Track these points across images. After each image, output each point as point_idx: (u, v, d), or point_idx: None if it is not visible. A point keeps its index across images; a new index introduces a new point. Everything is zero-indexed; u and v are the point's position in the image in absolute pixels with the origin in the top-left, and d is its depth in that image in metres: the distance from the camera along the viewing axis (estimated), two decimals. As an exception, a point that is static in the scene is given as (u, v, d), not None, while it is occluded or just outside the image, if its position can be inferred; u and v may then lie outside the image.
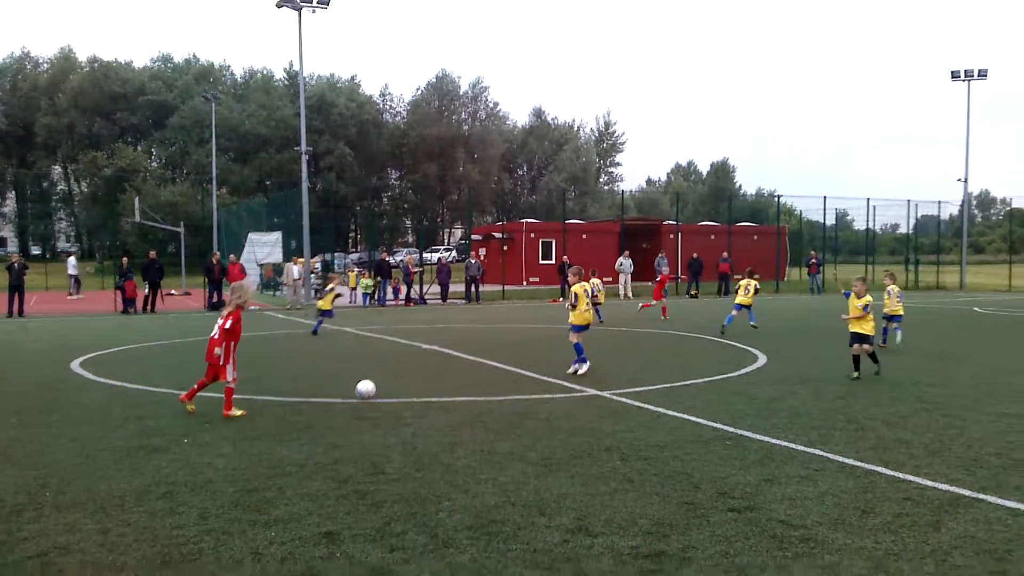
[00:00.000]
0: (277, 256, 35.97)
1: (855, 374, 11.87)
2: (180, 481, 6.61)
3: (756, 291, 19.38)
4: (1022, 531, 5.34)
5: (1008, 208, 59.77)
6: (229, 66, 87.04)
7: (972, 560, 4.86)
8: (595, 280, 19.86)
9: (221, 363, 9.22)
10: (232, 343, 9.38)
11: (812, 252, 41.06)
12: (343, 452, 7.50)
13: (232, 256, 32.60)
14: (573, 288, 12.73)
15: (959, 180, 48.23)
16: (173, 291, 37.80)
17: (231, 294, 9.98)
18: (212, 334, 9.45)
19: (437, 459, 7.23)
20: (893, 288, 15.90)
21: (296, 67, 35.58)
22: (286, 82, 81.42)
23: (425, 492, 6.25)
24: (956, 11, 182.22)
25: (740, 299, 19.09)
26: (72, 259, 42.39)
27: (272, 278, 37.47)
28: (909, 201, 45.55)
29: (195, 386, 9.48)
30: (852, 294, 12.30)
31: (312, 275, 34.36)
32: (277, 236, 36.88)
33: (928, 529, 5.39)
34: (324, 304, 19.35)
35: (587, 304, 12.68)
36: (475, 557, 4.94)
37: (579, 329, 12.59)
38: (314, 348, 16.68)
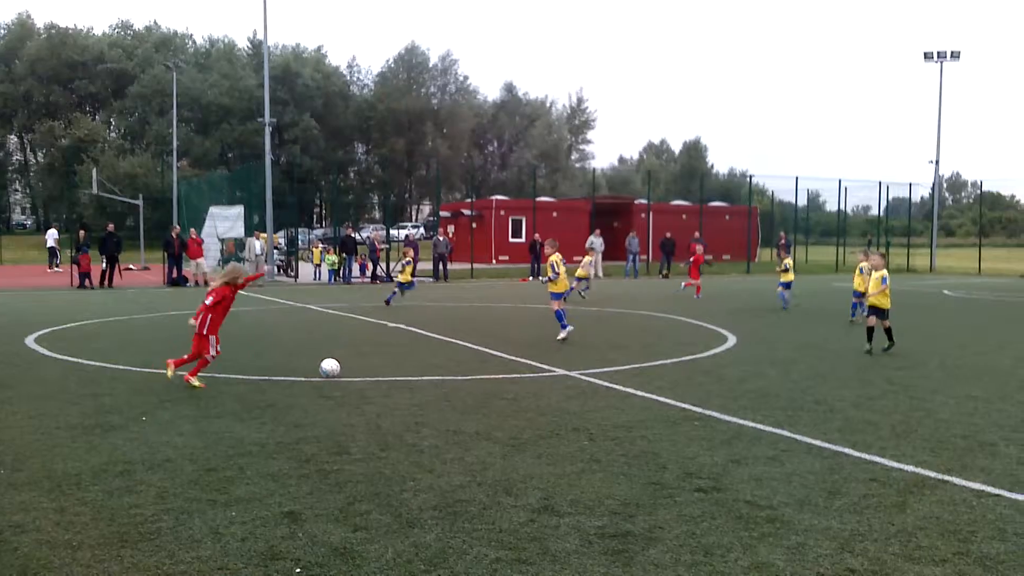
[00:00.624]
0: (239, 231, 35.46)
1: (867, 346, 12.37)
2: (138, 460, 6.47)
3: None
4: (986, 512, 5.35)
5: (979, 191, 60.51)
6: (191, 34, 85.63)
7: (937, 541, 4.86)
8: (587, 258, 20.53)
9: (198, 333, 9.48)
10: (213, 317, 9.60)
11: (782, 233, 41.34)
12: (306, 431, 7.37)
13: (192, 230, 32.10)
14: (551, 258, 13.73)
15: (930, 162, 48.76)
16: (132, 266, 37.18)
17: (222, 273, 10.22)
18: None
19: (402, 439, 7.12)
20: (865, 266, 15.74)
21: (260, 36, 34.94)
22: (250, 51, 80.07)
23: (389, 472, 6.14)
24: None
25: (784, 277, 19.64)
26: (52, 231, 41.65)
27: (234, 253, 36.99)
28: (880, 183, 45.81)
29: (184, 357, 9.71)
30: (867, 269, 13.25)
31: (275, 250, 33.96)
32: (239, 210, 36.35)
33: (894, 510, 5.39)
34: (404, 277, 20.27)
35: (564, 271, 13.79)
36: (440, 537, 4.86)
37: (558, 296, 13.75)
38: (277, 325, 16.47)
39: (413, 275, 20.98)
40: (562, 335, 13.54)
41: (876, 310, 12.52)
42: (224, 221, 36.78)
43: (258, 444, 6.95)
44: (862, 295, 15.69)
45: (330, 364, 10.01)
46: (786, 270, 19.89)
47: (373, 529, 4.98)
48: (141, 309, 19.59)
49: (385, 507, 5.36)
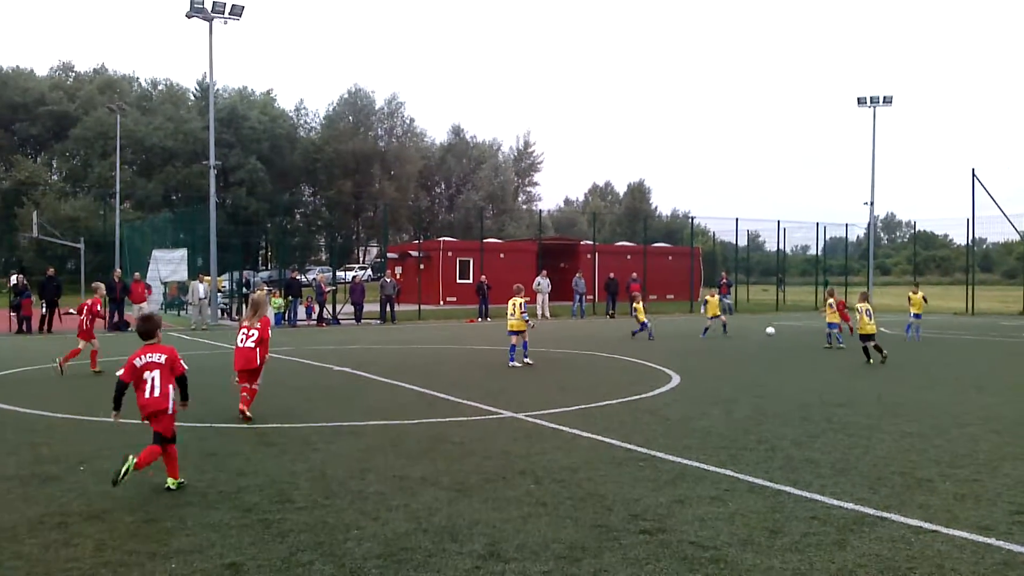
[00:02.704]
0: (182, 274, 34.98)
1: (869, 360, 17.03)
2: (75, 511, 6.31)
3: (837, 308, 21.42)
4: (924, 549, 5.46)
5: (913, 231, 62.33)
6: (137, 77, 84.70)
7: (876, 578, 4.94)
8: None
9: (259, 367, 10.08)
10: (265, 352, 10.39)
11: (723, 273, 42.02)
12: (248, 480, 7.25)
13: (136, 274, 31.55)
14: (515, 301, 16.38)
15: (865, 203, 50.12)
16: (72, 310, 36.30)
17: (253, 308, 10.77)
18: (242, 344, 10.30)
19: (346, 486, 7.04)
20: (861, 306, 18.40)
21: (208, 78, 34.79)
22: (197, 94, 79.52)
23: (333, 520, 6.06)
24: (863, 39, 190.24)
25: (830, 317, 21.01)
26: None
27: (176, 297, 36.40)
28: (818, 223, 47.12)
29: (246, 397, 10.25)
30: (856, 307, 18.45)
31: (219, 293, 33.49)
32: (183, 253, 35.89)
33: (834, 548, 5.47)
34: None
35: (521, 312, 16.35)
36: (384, 588, 4.80)
37: (515, 333, 16.32)
38: (220, 370, 16.18)
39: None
40: (514, 363, 16.11)
41: (866, 336, 17.51)
42: (167, 264, 36.25)
43: (199, 493, 6.81)
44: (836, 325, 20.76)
45: None
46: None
47: (316, 580, 4.90)
48: (80, 355, 19.11)
49: (328, 557, 5.29)
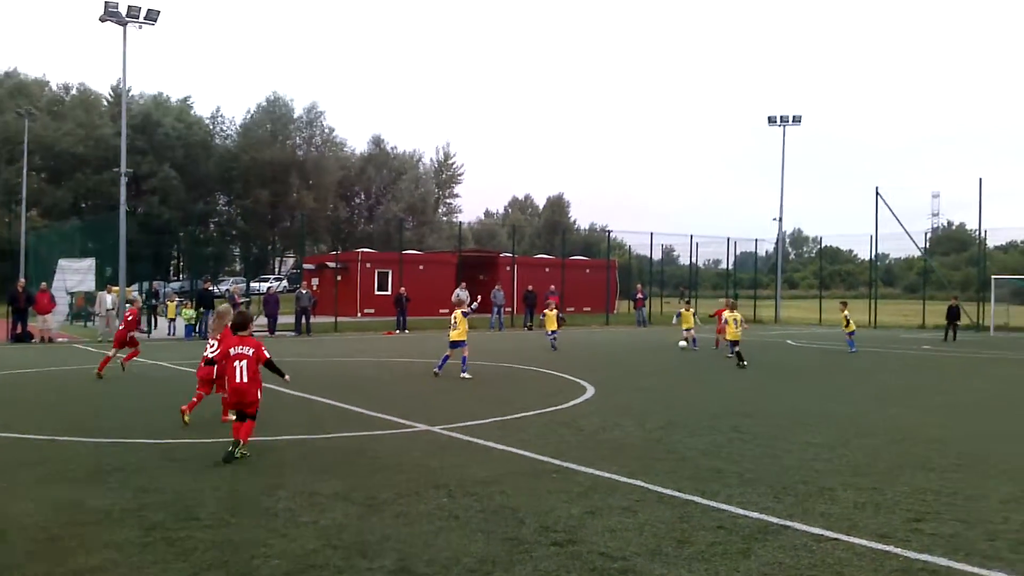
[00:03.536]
0: (89, 284, 33.77)
1: (744, 363, 18.68)
2: (-31, 532, 6.03)
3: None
4: (826, 557, 5.62)
5: (819, 246, 64.52)
6: (48, 81, 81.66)
7: (778, 586, 5.07)
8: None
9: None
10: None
11: (638, 286, 42.70)
12: (152, 497, 7.03)
13: (44, 284, 30.33)
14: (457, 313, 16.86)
15: (774, 219, 51.67)
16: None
17: (218, 320, 10.90)
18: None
19: (255, 503, 6.89)
20: (730, 316, 20.07)
21: (122, 84, 33.82)
22: (110, 99, 77.12)
23: (239, 538, 5.93)
24: (773, 61, 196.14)
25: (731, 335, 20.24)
26: None
27: (83, 307, 35.16)
28: (729, 239, 48.34)
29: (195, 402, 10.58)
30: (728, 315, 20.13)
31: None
32: (90, 263, 34.66)
33: (739, 557, 5.60)
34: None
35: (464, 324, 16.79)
36: (290, 606, 4.72)
37: (456, 345, 16.71)
38: (126, 384, 15.70)
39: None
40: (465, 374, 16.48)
41: (734, 342, 19.52)
42: (74, 274, 34.98)
43: (102, 511, 6.59)
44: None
45: None
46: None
47: (220, 599, 4.79)
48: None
49: (233, 575, 5.17)
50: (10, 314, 27.63)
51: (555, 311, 24.66)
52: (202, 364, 11.15)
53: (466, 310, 17.39)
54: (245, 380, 8.62)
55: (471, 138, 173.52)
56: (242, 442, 8.43)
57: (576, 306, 46.32)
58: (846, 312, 25.14)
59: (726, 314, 20.43)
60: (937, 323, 37.20)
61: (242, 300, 31.75)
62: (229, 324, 9.68)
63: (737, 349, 19.34)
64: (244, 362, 8.64)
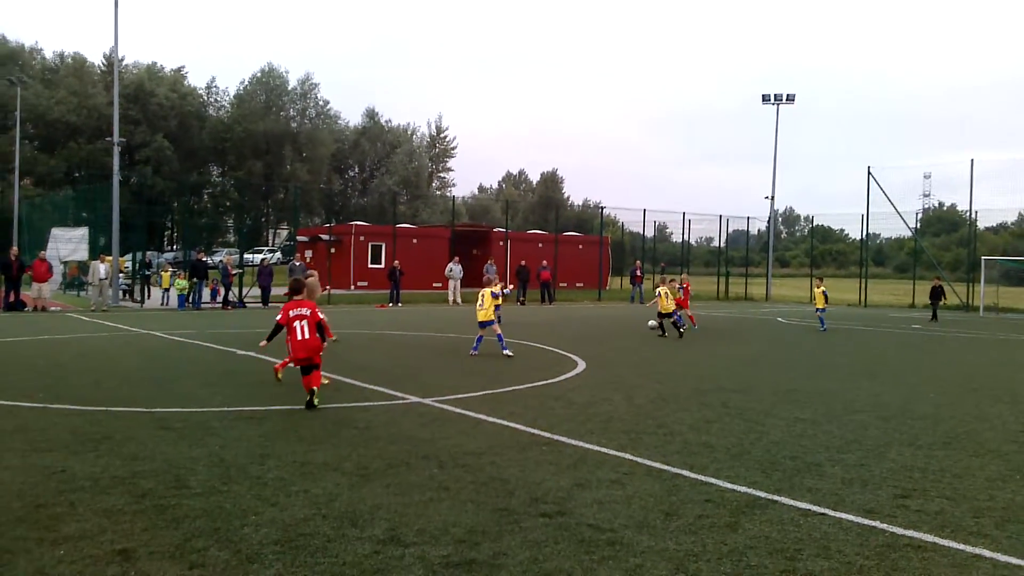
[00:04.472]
0: (83, 253, 33.64)
1: (663, 334, 19.81)
2: (-41, 498, 6.05)
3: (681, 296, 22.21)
4: (812, 531, 5.68)
5: (811, 225, 64.60)
6: (41, 49, 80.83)
7: (766, 559, 5.12)
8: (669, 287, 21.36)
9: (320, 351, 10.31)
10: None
11: (637, 263, 42.63)
12: (143, 465, 7.06)
13: (42, 253, 30.18)
14: (483, 291, 15.92)
15: (766, 198, 51.58)
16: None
17: (307, 293, 10.80)
18: (299, 326, 10.02)
19: (246, 471, 6.92)
20: (662, 289, 20.66)
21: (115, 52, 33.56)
22: (103, 68, 76.42)
23: (230, 506, 5.96)
24: (767, 39, 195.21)
25: (663, 307, 20.63)
26: None
27: (76, 276, 35.06)
28: (721, 216, 48.33)
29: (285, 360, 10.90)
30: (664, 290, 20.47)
31: (120, 275, 32.38)
32: (84, 232, 34.53)
33: (726, 530, 5.65)
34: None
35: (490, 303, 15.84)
36: (280, 572, 4.75)
37: (484, 325, 15.81)
38: (118, 353, 15.70)
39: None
40: (507, 352, 15.56)
41: (665, 315, 20.30)
42: (67, 243, 34.87)
43: (91, 479, 6.60)
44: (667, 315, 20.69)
45: None
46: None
47: (210, 566, 4.82)
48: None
49: (224, 543, 5.20)
50: (3, 282, 27.54)
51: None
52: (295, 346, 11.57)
53: (496, 291, 16.08)
54: (307, 336, 9.95)
55: (465, 113, 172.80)
56: (316, 389, 9.83)
57: (568, 282, 46.37)
58: (822, 288, 25.00)
59: (660, 289, 20.73)
60: (927, 303, 37.39)
61: (235, 271, 31.69)
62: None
63: (664, 320, 20.25)
64: (304, 321, 9.95)
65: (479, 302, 15.99)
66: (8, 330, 19.64)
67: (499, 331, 15.86)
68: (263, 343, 10.54)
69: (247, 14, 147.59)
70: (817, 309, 24.82)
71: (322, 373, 10.28)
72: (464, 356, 15.80)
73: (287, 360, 10.96)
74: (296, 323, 9.97)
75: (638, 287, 40.39)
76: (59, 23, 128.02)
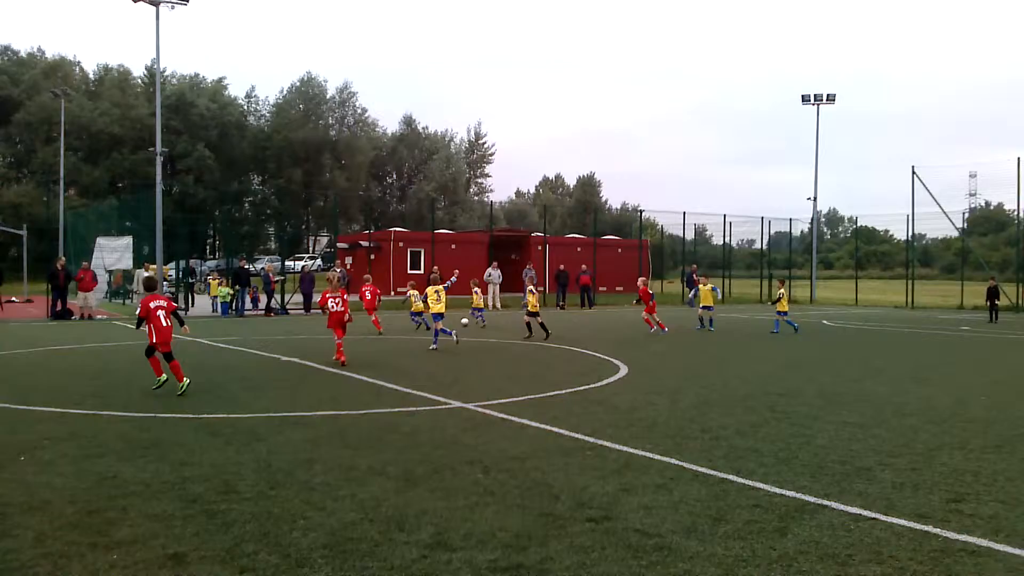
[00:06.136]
0: (127, 262, 34.27)
1: (531, 335, 20.30)
2: (15, 502, 6.18)
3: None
4: (863, 536, 5.58)
5: (854, 226, 63.65)
6: (79, 62, 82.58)
7: (816, 565, 5.04)
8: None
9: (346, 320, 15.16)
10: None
11: (694, 267, 42.08)
12: (192, 470, 7.16)
13: (85, 263, 30.80)
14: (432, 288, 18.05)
15: (809, 199, 51.03)
16: (14, 298, 35.43)
17: (340, 281, 16.08)
18: (335, 308, 15.05)
19: (293, 476, 6.99)
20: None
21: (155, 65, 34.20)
22: (145, 80, 77.87)
23: (279, 511, 6.02)
24: (807, 39, 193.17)
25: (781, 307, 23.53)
26: None
27: (121, 285, 35.71)
28: (763, 218, 47.90)
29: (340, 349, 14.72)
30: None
31: (164, 283, 32.89)
32: (127, 241, 35.18)
33: (775, 535, 5.58)
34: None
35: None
36: (329, 577, 4.78)
37: (439, 317, 17.75)
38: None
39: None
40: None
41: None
42: (112, 252, 35.53)
43: (142, 484, 6.71)
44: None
45: None
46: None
47: (260, 570, 4.87)
48: (21, 343, 18.67)
49: (273, 547, 5.25)
50: (49, 291, 28.13)
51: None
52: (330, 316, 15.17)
53: (447, 285, 18.72)
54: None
55: (502, 118, 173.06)
56: (184, 382, 11.34)
57: (608, 286, 46.18)
58: (782, 290, 24.63)
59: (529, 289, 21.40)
60: (975, 304, 36.62)
61: (277, 278, 32.06)
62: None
63: (540, 321, 20.66)
64: (162, 312, 11.67)
65: (436, 296, 17.92)
66: (56, 338, 20.05)
67: (441, 326, 17.71)
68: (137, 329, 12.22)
69: (286, 24, 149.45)
70: (779, 312, 23.97)
71: (347, 363, 14.32)
72: (506, 361, 15.81)
73: (338, 346, 14.66)
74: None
75: (696, 290, 39.92)
76: (102, 36, 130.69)
